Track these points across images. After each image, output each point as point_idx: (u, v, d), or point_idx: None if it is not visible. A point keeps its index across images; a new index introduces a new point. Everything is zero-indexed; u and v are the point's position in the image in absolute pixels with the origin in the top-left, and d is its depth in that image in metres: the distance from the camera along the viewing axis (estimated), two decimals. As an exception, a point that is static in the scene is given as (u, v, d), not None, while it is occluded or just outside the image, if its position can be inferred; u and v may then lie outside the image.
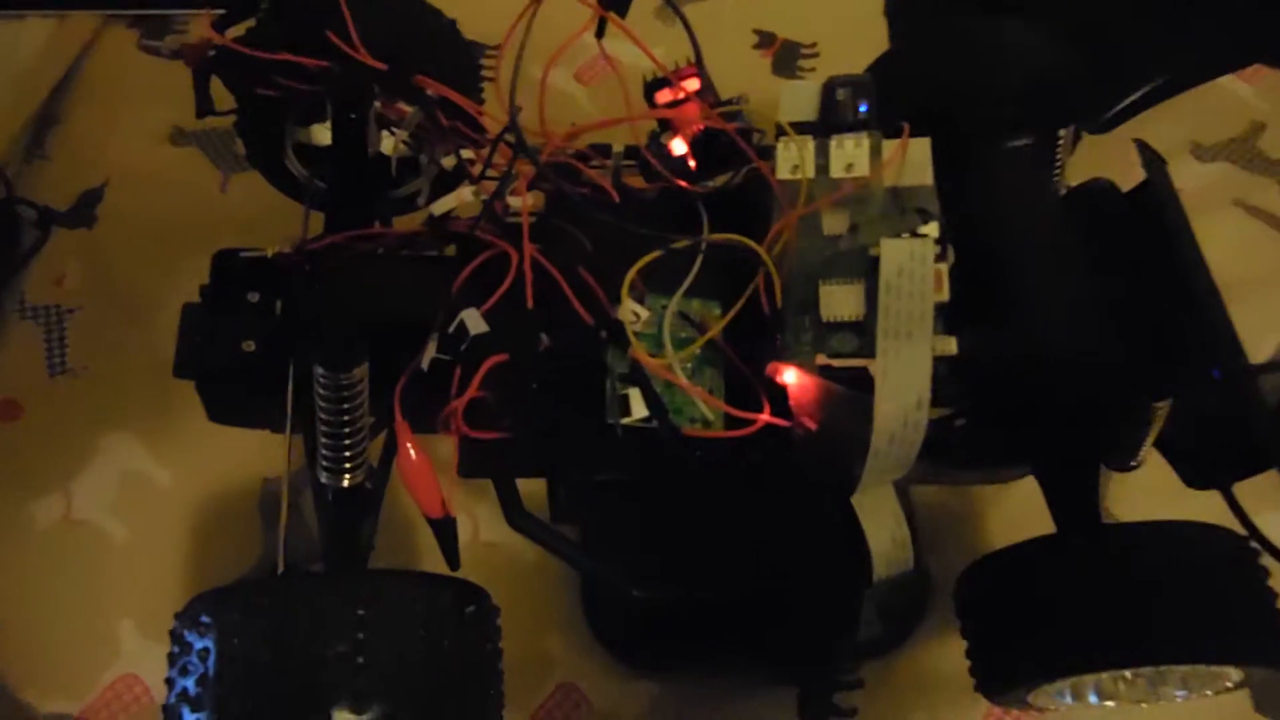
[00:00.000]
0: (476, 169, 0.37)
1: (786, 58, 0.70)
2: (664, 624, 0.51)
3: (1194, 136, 0.64)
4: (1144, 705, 0.38)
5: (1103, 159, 0.48)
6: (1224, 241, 0.60)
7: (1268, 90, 0.66)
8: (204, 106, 0.38)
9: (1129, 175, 0.43)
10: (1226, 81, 0.66)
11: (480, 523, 0.55)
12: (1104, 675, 0.36)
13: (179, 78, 0.44)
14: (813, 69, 0.70)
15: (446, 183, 0.40)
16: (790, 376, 0.34)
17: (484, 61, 0.64)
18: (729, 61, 0.68)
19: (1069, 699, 0.38)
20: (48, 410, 0.58)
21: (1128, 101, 0.62)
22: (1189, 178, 0.63)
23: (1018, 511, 0.53)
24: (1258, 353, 0.58)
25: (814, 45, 0.70)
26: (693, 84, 0.40)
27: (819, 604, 0.45)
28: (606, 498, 0.38)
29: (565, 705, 0.51)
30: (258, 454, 0.53)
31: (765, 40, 0.70)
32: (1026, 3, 0.65)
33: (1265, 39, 0.65)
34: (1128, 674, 0.36)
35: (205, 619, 0.30)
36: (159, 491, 0.55)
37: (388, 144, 0.41)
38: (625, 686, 0.51)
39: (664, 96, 0.41)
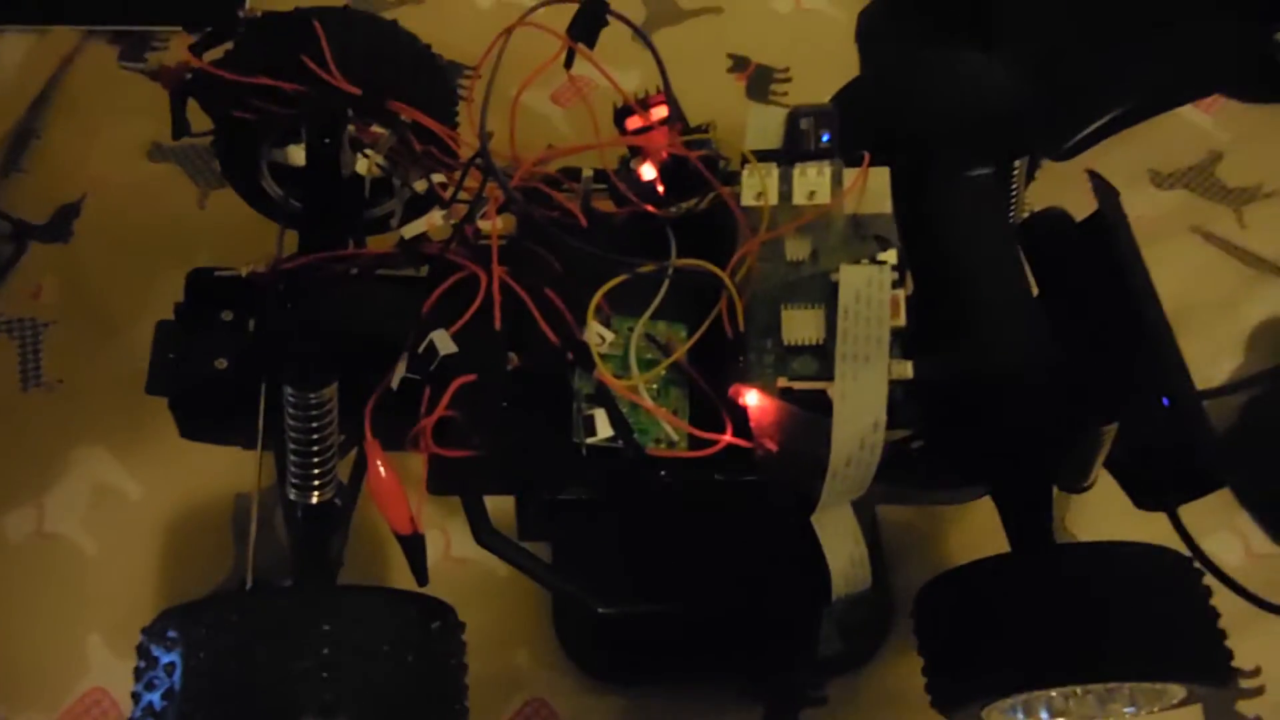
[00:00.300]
0: (449, 192, 0.38)
1: (760, 82, 0.71)
2: (633, 639, 0.51)
3: (1153, 165, 0.66)
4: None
5: (1064, 187, 0.49)
6: (1180, 268, 0.62)
7: (1226, 120, 0.68)
8: (180, 128, 0.38)
9: (1089, 203, 0.45)
10: (1186, 111, 0.68)
11: (452, 538, 0.55)
12: (1054, 692, 0.37)
13: (158, 94, 0.45)
14: (785, 93, 0.71)
15: (419, 205, 0.40)
16: (751, 398, 0.35)
17: (461, 81, 0.65)
18: (703, 85, 0.70)
19: (1022, 716, 0.39)
20: (20, 423, 0.58)
21: (1088, 130, 0.64)
22: (1147, 205, 0.65)
23: (981, 531, 0.54)
24: (1213, 377, 0.59)
25: (786, 70, 0.72)
26: (661, 111, 0.41)
27: (782, 621, 0.46)
28: (574, 516, 0.38)
29: (533, 720, 0.51)
30: (230, 470, 0.54)
31: (739, 64, 0.72)
32: (992, 35, 0.67)
33: (1223, 70, 0.67)
34: (1078, 691, 0.37)
35: (172, 634, 0.31)
36: (131, 506, 0.55)
37: (362, 165, 0.42)
38: (593, 701, 0.51)
39: (634, 123, 0.42)
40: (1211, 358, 0.59)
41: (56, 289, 0.62)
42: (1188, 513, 0.52)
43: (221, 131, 0.42)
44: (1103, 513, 0.54)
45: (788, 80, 0.71)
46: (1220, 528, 0.55)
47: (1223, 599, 0.48)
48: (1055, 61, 0.65)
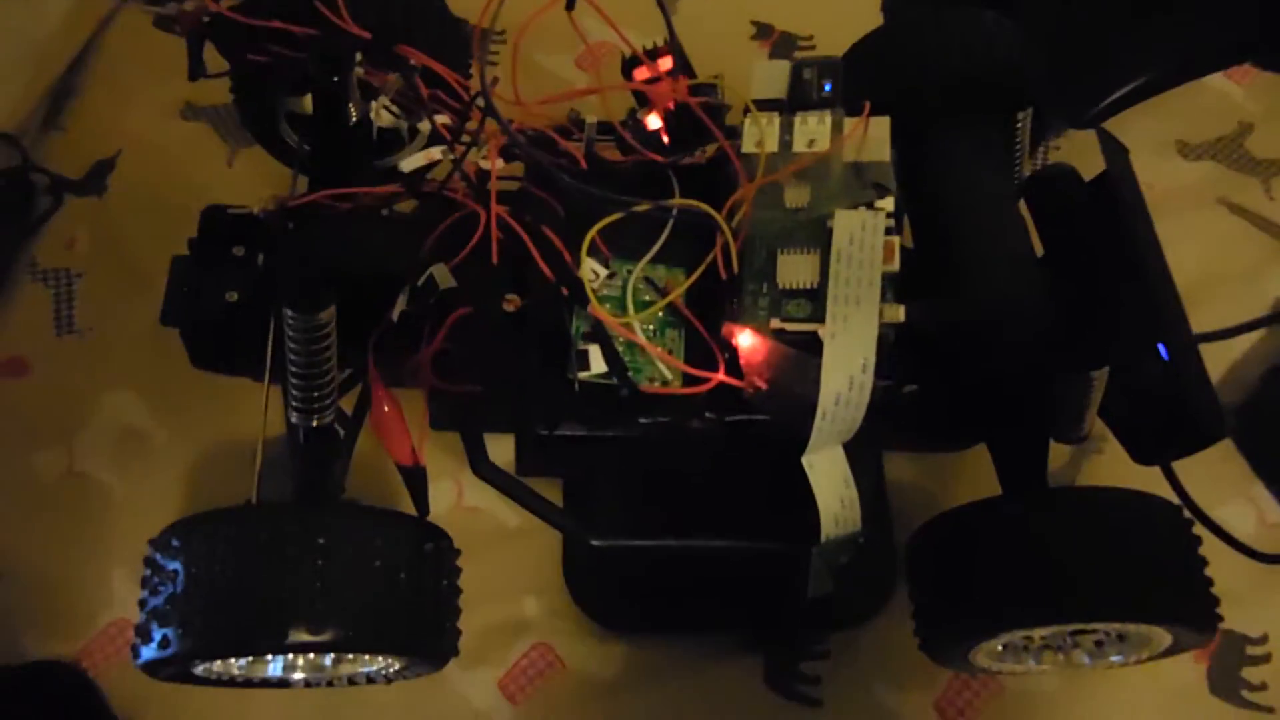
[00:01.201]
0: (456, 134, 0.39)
1: (784, 48, 0.71)
2: (639, 588, 0.52)
3: (1181, 135, 0.65)
4: (1086, 667, 0.39)
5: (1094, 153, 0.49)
6: (1205, 239, 0.61)
7: (1258, 91, 0.66)
8: (196, 70, 0.40)
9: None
10: (1216, 81, 0.67)
11: (465, 488, 0.56)
12: (1040, 635, 0.37)
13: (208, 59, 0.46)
14: (812, 60, 0.71)
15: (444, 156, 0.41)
16: (743, 338, 0.36)
17: (492, 49, 0.66)
18: (728, 50, 0.70)
19: (1009, 660, 0.39)
20: (54, 368, 0.60)
21: (1114, 96, 0.64)
22: (1174, 175, 0.64)
23: (989, 490, 0.55)
24: (1233, 347, 0.58)
25: (811, 37, 0.72)
26: (667, 63, 0.41)
27: (781, 569, 0.46)
28: (572, 452, 0.39)
29: (539, 664, 0.52)
30: (251, 416, 0.55)
31: (763, 31, 0.72)
32: (1017, 5, 0.66)
33: (1255, 39, 0.66)
34: (1066, 635, 0.37)
35: (176, 543, 0.32)
36: (155, 447, 0.57)
37: (382, 118, 0.43)
38: (598, 648, 0.52)
39: (641, 74, 0.43)
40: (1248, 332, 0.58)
41: (89, 240, 0.64)
42: (1203, 482, 0.52)
43: (238, 76, 0.43)
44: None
45: (811, 48, 0.71)
46: (1236, 496, 0.54)
47: (1232, 566, 0.48)
48: (1081, 27, 0.65)
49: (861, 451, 0.37)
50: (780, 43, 0.71)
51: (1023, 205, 0.44)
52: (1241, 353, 0.58)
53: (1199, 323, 0.57)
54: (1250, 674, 0.50)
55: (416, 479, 0.38)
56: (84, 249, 0.63)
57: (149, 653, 0.33)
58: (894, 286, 0.36)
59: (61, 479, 0.57)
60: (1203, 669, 0.49)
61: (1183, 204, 0.63)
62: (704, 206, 0.37)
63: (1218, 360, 0.57)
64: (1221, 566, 0.47)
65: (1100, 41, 0.64)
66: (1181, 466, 0.45)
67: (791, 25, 0.71)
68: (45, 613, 0.53)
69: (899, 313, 0.35)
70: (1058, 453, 0.55)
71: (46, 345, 0.60)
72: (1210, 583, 0.37)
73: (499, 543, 0.54)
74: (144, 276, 0.62)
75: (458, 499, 0.56)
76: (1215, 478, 0.54)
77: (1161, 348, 0.37)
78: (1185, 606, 0.36)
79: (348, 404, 0.41)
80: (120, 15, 0.72)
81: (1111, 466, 0.52)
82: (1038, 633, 0.37)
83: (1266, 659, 0.50)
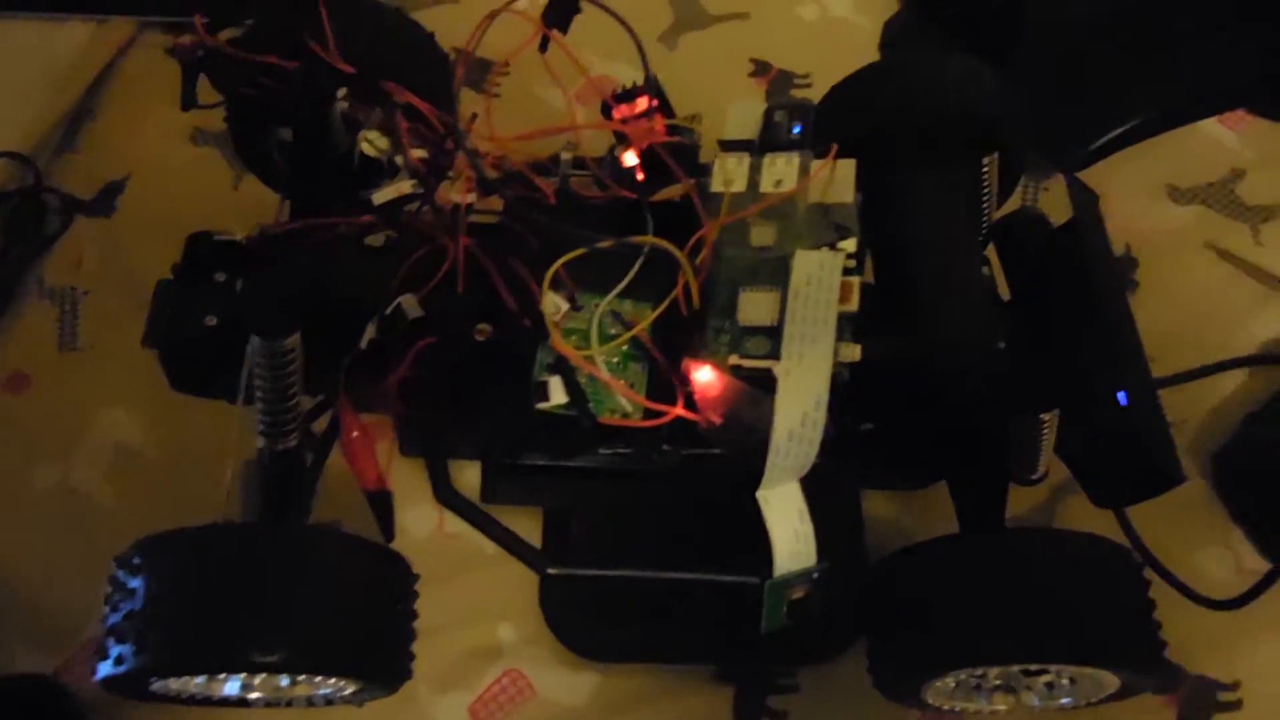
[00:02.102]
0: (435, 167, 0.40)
1: (781, 86, 0.72)
2: (615, 617, 0.53)
3: (1172, 179, 0.65)
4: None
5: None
6: (1192, 283, 0.62)
7: (1251, 138, 0.67)
8: (188, 100, 0.41)
9: (1111, 213, 0.45)
10: (1209, 126, 0.67)
11: (446, 514, 0.57)
12: (993, 675, 0.37)
13: (204, 83, 0.48)
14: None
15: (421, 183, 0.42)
16: (698, 374, 0.37)
17: (493, 79, 0.67)
18: (725, 88, 0.71)
19: (961, 699, 0.39)
20: (54, 384, 0.61)
21: (1103, 140, 0.64)
22: (1164, 219, 0.64)
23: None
24: (1217, 390, 0.58)
25: (807, 75, 0.73)
26: (642, 103, 0.42)
27: (749, 600, 0.46)
28: (536, 481, 0.40)
29: (510, 690, 0.53)
30: (240, 436, 0.56)
31: (761, 69, 0.73)
32: (1013, 44, 0.67)
33: (1248, 86, 0.67)
34: (1018, 676, 0.37)
35: (137, 560, 0.33)
36: (148, 464, 0.58)
37: (369, 149, 0.44)
38: (570, 676, 0.53)
39: (620, 112, 0.44)
40: (1214, 375, 0.58)
41: (97, 259, 0.66)
42: (1180, 527, 0.53)
43: (231, 107, 0.44)
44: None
45: (808, 85, 0.72)
46: (1213, 543, 0.54)
47: (1205, 612, 0.48)
48: (1074, 70, 0.65)
49: (839, 485, 0.38)
50: (778, 80, 0.72)
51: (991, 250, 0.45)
52: (1221, 398, 0.58)
53: (1180, 366, 0.58)
54: (1222, 721, 0.49)
55: (382, 504, 0.39)
56: (91, 267, 0.65)
57: (105, 669, 0.34)
58: (852, 326, 0.37)
59: (56, 491, 0.58)
60: (1172, 715, 0.49)
61: (1172, 247, 0.63)
62: (665, 243, 0.38)
63: (1197, 405, 0.57)
64: (1192, 611, 0.47)
65: (1093, 84, 0.65)
66: (1158, 511, 0.45)
67: (789, 63, 0.73)
68: (32, 625, 0.54)
69: (855, 352, 0.36)
70: (1034, 493, 0.55)
71: (50, 360, 0.62)
72: (1157, 626, 0.37)
73: (477, 568, 0.55)
74: (146, 296, 0.63)
75: (439, 524, 0.57)
76: (1193, 523, 0.54)
77: (1121, 394, 0.37)
78: (1131, 650, 0.36)
79: (321, 426, 0.42)
80: (138, 41, 0.74)
81: (1087, 508, 0.53)
82: (989, 671, 0.37)
83: (1238, 705, 0.50)
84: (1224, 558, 0.54)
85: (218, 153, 0.70)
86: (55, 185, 0.68)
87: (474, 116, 0.40)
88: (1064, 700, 0.38)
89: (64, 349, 0.62)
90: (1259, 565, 0.53)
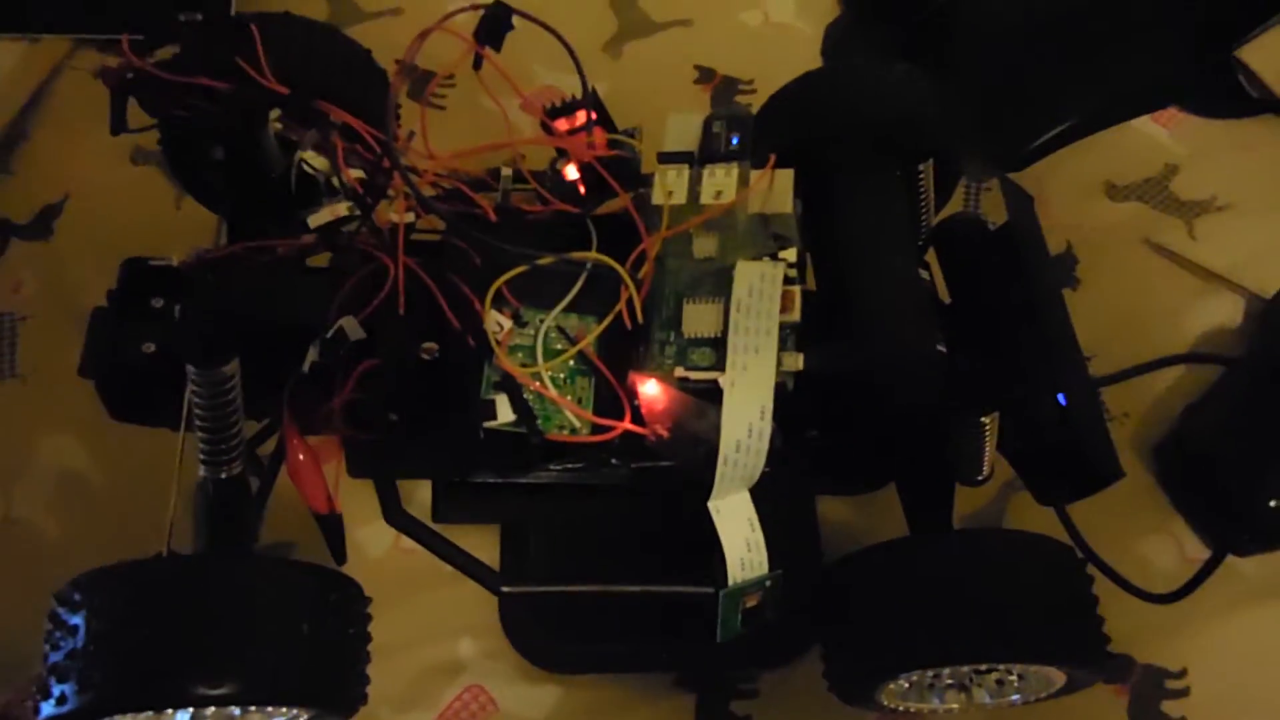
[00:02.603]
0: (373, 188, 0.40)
1: (725, 93, 0.73)
2: (575, 629, 0.53)
3: (1109, 176, 0.67)
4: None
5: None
6: (1129, 278, 0.63)
7: (1183, 135, 0.68)
8: (118, 124, 0.40)
9: (1051, 212, 0.45)
10: (1142, 123, 0.69)
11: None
12: (946, 675, 0.38)
13: (135, 106, 0.47)
14: (749, 104, 0.73)
15: (359, 204, 0.42)
16: (646, 387, 0.37)
17: (437, 90, 0.67)
18: (670, 94, 0.71)
19: (914, 699, 0.39)
20: (-7, 412, 0.60)
21: (1040, 141, 0.66)
22: (1101, 215, 0.66)
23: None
24: (1154, 384, 0.60)
25: (752, 82, 0.73)
26: (581, 117, 0.42)
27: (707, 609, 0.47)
28: (486, 499, 0.40)
29: (472, 706, 0.52)
30: (190, 461, 0.56)
31: (705, 75, 0.73)
32: (949, 48, 0.68)
33: (1179, 84, 0.68)
34: (968, 673, 0.38)
35: (78, 597, 0.33)
36: (93, 492, 0.57)
37: (312, 164, 0.44)
38: (532, 690, 0.53)
39: (561, 126, 0.44)
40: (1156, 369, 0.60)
41: (35, 284, 0.64)
42: (1124, 517, 0.54)
43: (163, 130, 0.44)
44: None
45: (752, 91, 0.73)
46: (1157, 531, 0.55)
47: (1151, 604, 0.49)
48: (1011, 73, 0.66)
49: (793, 493, 0.38)
50: (722, 87, 0.73)
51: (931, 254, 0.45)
52: (1161, 391, 0.59)
53: (1122, 360, 0.59)
54: (1170, 708, 0.50)
55: (333, 527, 0.38)
56: (30, 292, 0.64)
57: (48, 709, 0.33)
58: (795, 335, 0.37)
59: (-2, 525, 0.57)
60: (1123, 704, 0.50)
61: (1109, 243, 0.64)
62: (605, 259, 0.38)
63: (1138, 398, 0.59)
64: (1139, 602, 0.48)
65: (1029, 87, 0.66)
66: (1104, 502, 0.46)
67: (734, 69, 0.73)
68: (-23, 660, 0.53)
69: (798, 361, 0.36)
70: (985, 489, 0.56)
71: (-13, 389, 0.61)
72: (1100, 622, 0.38)
73: (435, 585, 0.55)
74: (87, 320, 0.62)
75: (395, 541, 0.56)
76: (1137, 512, 0.55)
77: (1060, 395, 0.38)
78: (1072, 646, 0.36)
79: (267, 449, 0.42)
80: (73, 59, 0.73)
81: (1035, 505, 0.54)
82: (940, 672, 0.38)
83: (1186, 693, 0.51)
84: (1167, 546, 0.55)
85: (158, 172, 0.69)
86: (-12, 210, 0.66)
87: (410, 135, 0.40)
88: (1014, 697, 0.39)
89: (3, 377, 0.61)
90: (1200, 552, 0.54)
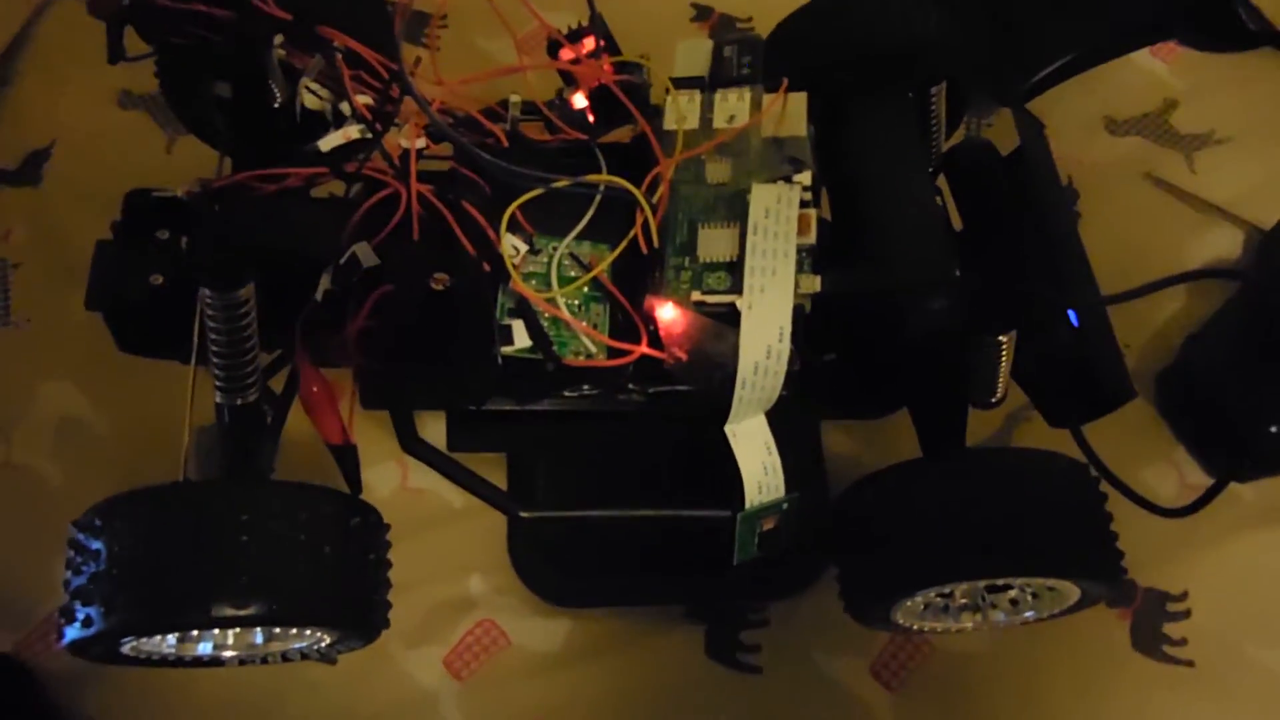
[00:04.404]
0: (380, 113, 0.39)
1: (722, 31, 0.72)
2: (584, 563, 0.53)
3: (1108, 111, 0.67)
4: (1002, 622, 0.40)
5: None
6: (1130, 212, 0.63)
7: (1182, 68, 0.68)
8: (115, 53, 0.40)
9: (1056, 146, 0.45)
10: (1141, 58, 0.68)
11: (409, 470, 0.57)
12: (957, 591, 0.38)
13: (129, 43, 0.46)
14: (751, 37, 0.72)
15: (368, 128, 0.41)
16: (664, 311, 0.37)
17: (428, 32, 0.66)
18: (668, 33, 0.71)
19: (930, 619, 0.40)
20: (-10, 360, 0.59)
21: (1042, 74, 0.65)
22: (1101, 150, 0.66)
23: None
24: (1156, 318, 0.60)
25: (750, 19, 0.72)
26: (590, 43, 0.42)
27: (717, 538, 0.47)
28: (501, 427, 0.40)
29: (484, 640, 0.53)
30: (196, 397, 0.55)
31: (702, 13, 0.73)
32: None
33: (1177, 16, 0.68)
34: (983, 591, 0.38)
35: (98, 522, 0.33)
36: (94, 436, 0.57)
37: (310, 101, 0.43)
38: (542, 623, 0.53)
39: (566, 54, 0.43)
40: (1156, 299, 0.60)
41: (26, 231, 0.63)
42: (1126, 445, 0.54)
43: (162, 59, 0.43)
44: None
45: (750, 28, 0.72)
46: (1158, 459, 0.56)
47: (1153, 526, 0.50)
48: (1008, 5, 0.66)
49: (798, 421, 0.38)
50: (719, 24, 0.72)
51: (943, 180, 0.45)
52: (1163, 321, 0.59)
53: (1122, 290, 0.59)
54: (1171, 630, 0.51)
55: (347, 458, 0.38)
56: (20, 240, 0.63)
57: (73, 632, 0.33)
58: (811, 258, 0.37)
59: (0, 472, 0.56)
60: (1126, 626, 0.51)
61: (1110, 178, 0.64)
62: (623, 182, 0.38)
63: (1140, 328, 0.59)
64: (1143, 526, 0.48)
65: (1026, 20, 0.66)
66: (1106, 430, 0.47)
67: (730, 7, 0.72)
68: (-17, 605, 0.53)
69: (815, 283, 0.36)
70: (990, 420, 0.56)
71: (-19, 337, 0.60)
72: (1115, 537, 0.39)
73: (444, 523, 0.55)
74: (81, 266, 0.60)
75: (402, 480, 0.56)
76: (1138, 441, 0.56)
77: (1072, 314, 0.38)
78: (1088, 560, 0.37)
79: (279, 384, 0.41)
80: (55, 3, 0.71)
81: (1040, 433, 0.54)
82: (955, 589, 0.38)
83: (1186, 615, 0.52)
84: (1168, 474, 0.56)
85: (147, 116, 0.67)
86: (-26, 156, 0.65)
87: (418, 61, 0.39)
88: (1028, 614, 0.39)
89: (-2, 324, 0.60)
90: (1200, 480, 0.55)
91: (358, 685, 0.51)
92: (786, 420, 0.38)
